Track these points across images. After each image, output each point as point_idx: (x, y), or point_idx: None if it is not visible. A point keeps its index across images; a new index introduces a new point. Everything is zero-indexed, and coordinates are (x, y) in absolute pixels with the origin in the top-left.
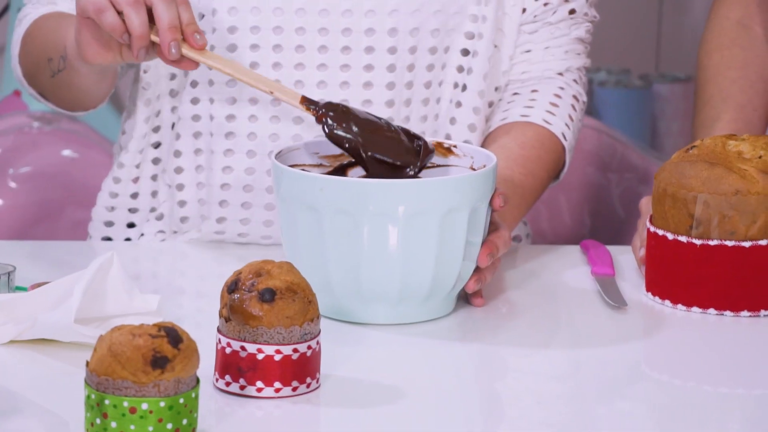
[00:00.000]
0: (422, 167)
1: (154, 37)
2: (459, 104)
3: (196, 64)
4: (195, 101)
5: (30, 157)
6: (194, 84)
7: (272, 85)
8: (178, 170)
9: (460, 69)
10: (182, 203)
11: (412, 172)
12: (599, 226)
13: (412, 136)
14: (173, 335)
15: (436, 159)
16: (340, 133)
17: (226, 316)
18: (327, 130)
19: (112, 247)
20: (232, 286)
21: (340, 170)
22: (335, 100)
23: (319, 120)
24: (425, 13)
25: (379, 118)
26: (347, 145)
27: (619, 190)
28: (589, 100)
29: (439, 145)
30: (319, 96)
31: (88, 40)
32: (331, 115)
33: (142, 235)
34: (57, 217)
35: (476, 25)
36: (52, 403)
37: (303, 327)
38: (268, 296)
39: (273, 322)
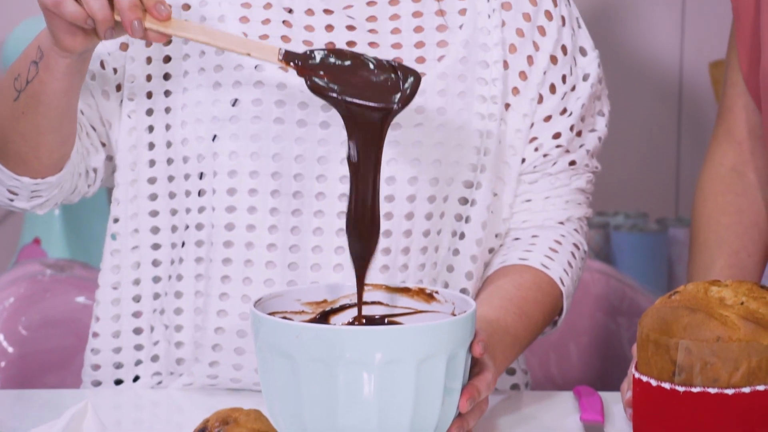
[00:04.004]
0: (406, 99)
1: (117, 17)
2: (456, 252)
3: (165, 36)
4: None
5: (42, 304)
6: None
7: (248, 45)
8: (178, 311)
9: (459, 217)
10: (179, 344)
11: (396, 107)
12: (609, 370)
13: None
14: None
15: (419, 305)
16: (321, 84)
17: None
18: (309, 84)
19: (98, 394)
20: None
21: (323, 317)
22: (332, 247)
23: (300, 74)
24: (424, 163)
25: (362, 56)
26: (329, 94)
27: (629, 334)
28: (605, 244)
29: (422, 291)
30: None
31: (58, 26)
32: (312, 65)
33: (138, 377)
34: (69, 364)
35: (475, 174)
36: None
37: None
38: None
39: None
